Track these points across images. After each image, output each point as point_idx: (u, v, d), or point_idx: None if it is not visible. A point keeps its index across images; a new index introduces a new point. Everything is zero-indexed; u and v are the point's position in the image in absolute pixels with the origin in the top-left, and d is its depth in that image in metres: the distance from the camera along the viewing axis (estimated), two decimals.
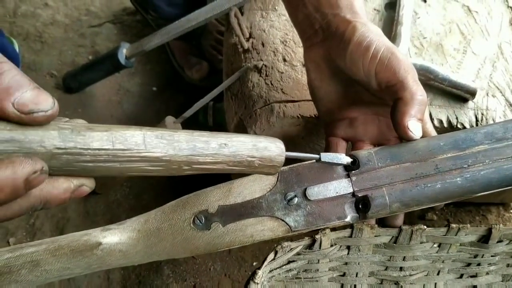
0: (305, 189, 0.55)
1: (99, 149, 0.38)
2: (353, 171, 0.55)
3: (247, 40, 0.87)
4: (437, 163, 0.54)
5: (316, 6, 0.63)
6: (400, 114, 0.54)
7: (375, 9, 0.88)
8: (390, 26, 0.83)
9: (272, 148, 0.50)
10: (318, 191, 0.54)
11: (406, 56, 0.60)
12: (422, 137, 0.56)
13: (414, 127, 0.54)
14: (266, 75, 0.80)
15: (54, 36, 1.35)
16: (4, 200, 0.35)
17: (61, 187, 0.39)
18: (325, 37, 0.62)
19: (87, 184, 0.41)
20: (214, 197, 0.58)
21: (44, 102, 0.36)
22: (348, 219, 0.54)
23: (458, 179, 0.53)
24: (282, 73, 0.79)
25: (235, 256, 0.92)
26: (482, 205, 0.98)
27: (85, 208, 1.00)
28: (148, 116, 1.17)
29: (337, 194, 0.54)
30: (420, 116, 0.54)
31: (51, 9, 1.42)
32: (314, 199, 0.54)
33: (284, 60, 0.81)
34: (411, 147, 0.55)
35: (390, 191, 0.53)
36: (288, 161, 0.60)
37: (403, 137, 0.56)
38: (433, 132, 0.60)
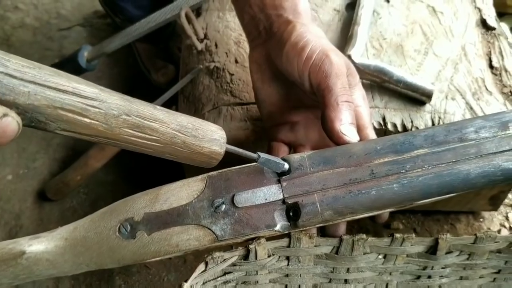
0: (233, 196, 0.51)
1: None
2: (284, 176, 0.51)
3: (201, 41, 0.84)
4: (373, 168, 0.50)
5: (261, 7, 0.61)
6: (329, 120, 0.51)
7: (335, 9, 0.85)
8: (349, 27, 0.80)
9: (213, 134, 0.48)
10: (247, 198, 0.51)
11: (342, 58, 0.57)
12: None
13: (348, 131, 0.51)
14: (217, 77, 0.77)
15: (22, 39, 1.32)
16: None
17: None
18: (267, 37, 0.60)
19: (13, 116, 0.34)
20: (141, 204, 0.55)
21: None
22: (277, 227, 0.50)
23: (394, 185, 0.49)
24: (233, 74, 0.76)
25: (190, 266, 0.88)
26: (451, 213, 0.94)
27: (39, 215, 0.97)
28: None
29: (267, 201, 0.51)
30: (351, 121, 0.51)
31: (21, 12, 1.39)
32: (242, 206, 0.51)
33: (236, 61, 0.77)
34: (346, 151, 0.51)
35: (321, 197, 0.50)
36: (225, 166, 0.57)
37: (339, 143, 0.52)
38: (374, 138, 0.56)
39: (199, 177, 0.54)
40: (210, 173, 0.54)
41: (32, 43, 1.31)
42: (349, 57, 0.71)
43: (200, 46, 0.82)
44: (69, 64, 1.07)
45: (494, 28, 0.86)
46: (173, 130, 0.45)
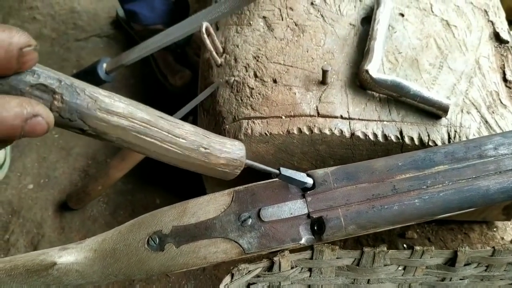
0: (259, 210, 0.53)
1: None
2: (308, 192, 0.53)
3: (221, 55, 0.86)
4: (395, 183, 0.52)
5: None
6: None
7: (350, 24, 0.86)
8: (365, 42, 0.82)
9: (233, 149, 0.51)
10: (272, 212, 0.53)
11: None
12: None
13: None
14: (237, 91, 0.79)
15: (40, 50, 1.33)
16: None
17: (12, 110, 0.34)
18: None
19: (43, 115, 0.36)
20: (169, 218, 0.57)
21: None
22: (302, 241, 0.52)
23: (416, 200, 0.51)
24: (253, 89, 0.77)
25: (209, 275, 0.90)
26: (464, 223, 0.95)
27: (60, 224, 0.99)
28: None
29: (292, 215, 0.52)
30: None
31: (38, 23, 1.42)
32: (268, 220, 0.53)
33: (256, 75, 0.79)
34: (369, 167, 0.53)
35: (345, 212, 0.51)
36: (248, 179, 0.59)
37: None
38: None
39: (226, 191, 0.56)
40: (237, 188, 0.56)
41: (50, 53, 1.34)
42: (367, 72, 0.73)
43: (219, 60, 0.84)
44: (88, 76, 1.09)
45: (507, 42, 0.88)
46: (196, 146, 0.48)
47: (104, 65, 1.07)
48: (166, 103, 1.22)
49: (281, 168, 0.52)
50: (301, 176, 0.52)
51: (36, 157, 1.11)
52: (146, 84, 1.27)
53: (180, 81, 1.19)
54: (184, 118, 0.94)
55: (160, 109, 1.25)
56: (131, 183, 1.05)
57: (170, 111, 1.04)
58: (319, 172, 0.53)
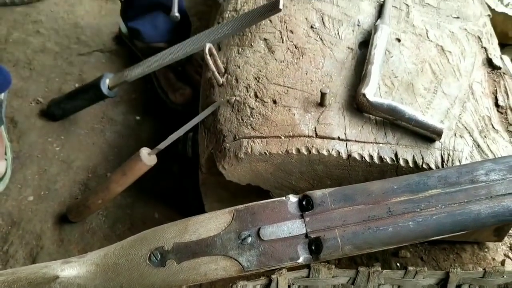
0: (259, 229, 0.55)
1: None
2: (307, 212, 0.55)
3: (222, 75, 0.88)
4: (390, 206, 0.54)
5: None
6: None
7: (348, 48, 0.89)
8: (362, 66, 0.85)
9: None
10: (272, 231, 0.55)
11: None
12: None
13: None
14: (238, 111, 0.81)
15: (43, 63, 1.37)
16: None
17: None
18: None
19: None
20: (171, 234, 0.59)
21: None
22: (300, 260, 0.54)
23: (410, 223, 0.53)
24: (253, 109, 0.80)
25: None
26: (456, 243, 0.97)
27: (59, 236, 1.00)
28: (129, 145, 1.18)
29: (290, 235, 0.54)
30: None
31: (42, 36, 1.45)
32: (267, 239, 0.54)
33: (256, 96, 0.82)
34: (365, 189, 0.55)
35: (342, 233, 0.53)
36: (245, 199, 0.61)
37: None
38: None
39: (227, 210, 0.58)
40: (237, 207, 0.58)
41: (53, 67, 1.36)
42: (364, 95, 0.76)
43: (221, 80, 0.87)
44: (91, 91, 1.12)
45: (499, 68, 0.91)
46: None
47: (107, 80, 1.10)
48: (167, 118, 1.24)
49: None
50: None
51: (37, 169, 1.12)
52: (147, 99, 1.29)
53: (181, 98, 1.22)
54: (185, 135, 0.97)
55: (160, 124, 1.28)
56: (130, 197, 1.06)
57: (171, 127, 1.07)
58: (318, 193, 0.56)
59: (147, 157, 0.91)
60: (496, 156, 0.75)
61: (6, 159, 1.11)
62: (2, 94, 1.19)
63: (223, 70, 0.89)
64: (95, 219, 1.03)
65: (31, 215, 1.04)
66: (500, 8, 1.80)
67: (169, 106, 1.25)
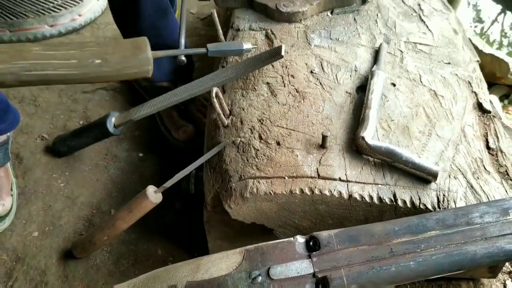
0: (269, 268, 0.58)
1: None
2: (314, 252, 0.58)
3: (227, 117, 0.92)
4: (392, 247, 0.57)
5: None
6: None
7: (346, 92, 0.94)
8: (360, 109, 0.89)
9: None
10: (281, 271, 0.58)
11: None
12: None
13: None
14: (243, 151, 0.85)
15: (48, 100, 1.41)
16: None
17: None
18: None
19: None
20: (183, 273, 0.61)
21: None
22: None
23: (411, 263, 0.57)
24: (258, 150, 0.84)
25: None
26: (452, 279, 1.00)
27: (64, 272, 1.02)
28: (133, 181, 1.21)
29: (299, 274, 0.58)
30: None
31: None
32: (277, 279, 0.57)
33: (260, 137, 0.86)
34: (368, 231, 0.59)
35: (348, 272, 0.57)
36: (248, 236, 0.64)
37: None
38: None
39: (237, 250, 0.61)
40: (248, 247, 0.61)
41: (58, 104, 1.40)
42: (363, 138, 0.80)
43: (226, 122, 0.91)
44: (97, 128, 1.15)
45: (489, 112, 0.96)
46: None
47: (113, 119, 1.13)
48: (169, 155, 1.28)
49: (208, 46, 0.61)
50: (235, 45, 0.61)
51: (42, 205, 1.14)
52: (150, 136, 1.33)
53: (183, 135, 1.25)
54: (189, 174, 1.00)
55: (163, 161, 1.30)
56: (133, 233, 1.09)
57: (173, 164, 1.10)
58: (324, 234, 0.59)
59: (154, 195, 0.94)
60: (489, 197, 0.79)
61: (12, 195, 1.13)
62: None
63: (228, 112, 0.93)
64: (99, 255, 1.05)
65: (36, 250, 1.06)
66: (487, 50, 1.89)
67: (172, 143, 1.28)
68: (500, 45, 2.29)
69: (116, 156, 1.27)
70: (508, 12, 2.35)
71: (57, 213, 1.13)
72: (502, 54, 1.86)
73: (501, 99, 1.99)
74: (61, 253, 1.05)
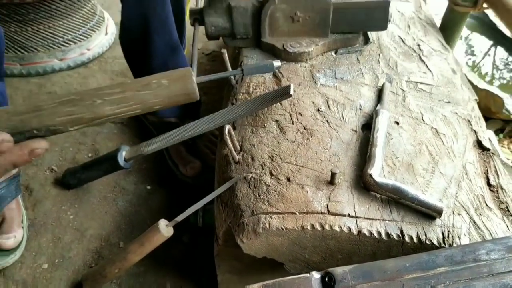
0: None
1: None
2: None
3: (238, 153, 0.96)
4: (404, 282, 0.60)
5: None
6: None
7: (352, 130, 0.98)
8: (366, 147, 0.93)
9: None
10: None
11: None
12: None
13: None
14: (255, 187, 0.88)
15: None
16: None
17: (17, 153, 0.63)
18: None
19: (38, 147, 0.66)
20: None
21: None
22: None
23: None
24: (269, 186, 0.87)
25: None
26: None
27: None
28: (141, 214, 1.23)
29: None
30: None
31: None
32: None
33: (271, 174, 0.89)
34: (381, 267, 0.62)
35: None
36: (258, 270, 0.66)
37: None
38: None
39: (255, 285, 0.63)
40: (266, 282, 0.63)
41: (67, 136, 1.43)
42: (370, 176, 0.84)
43: (237, 157, 0.94)
44: (108, 162, 1.18)
45: (489, 149, 1.00)
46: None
47: (124, 153, 1.16)
48: (177, 189, 1.30)
49: (243, 66, 0.66)
50: (267, 64, 0.67)
51: (51, 237, 1.16)
52: (158, 169, 1.36)
53: (191, 171, 1.29)
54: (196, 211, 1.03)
55: (170, 195, 1.33)
56: (143, 265, 1.11)
57: (181, 197, 1.12)
58: (339, 270, 0.62)
59: (165, 229, 0.97)
60: (491, 232, 0.83)
61: (22, 227, 1.15)
62: None
63: (239, 148, 0.97)
64: None
65: (46, 283, 1.07)
66: (482, 85, 1.96)
67: (179, 178, 1.31)
68: (492, 78, 2.36)
69: (125, 189, 1.30)
70: (499, 46, 2.44)
71: (66, 245, 1.15)
72: (496, 89, 1.92)
73: (496, 133, 2.04)
74: (71, 285, 1.07)
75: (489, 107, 1.92)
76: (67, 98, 0.62)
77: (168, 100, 0.68)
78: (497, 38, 2.40)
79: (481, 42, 2.51)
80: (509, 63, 2.40)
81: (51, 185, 1.29)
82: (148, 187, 1.31)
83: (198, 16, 1.16)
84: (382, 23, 1.16)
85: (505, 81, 2.36)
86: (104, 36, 1.84)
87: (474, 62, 2.43)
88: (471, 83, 1.93)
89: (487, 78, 2.35)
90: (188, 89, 0.65)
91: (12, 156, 0.64)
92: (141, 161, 1.37)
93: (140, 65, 1.30)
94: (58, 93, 1.58)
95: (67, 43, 1.70)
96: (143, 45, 1.25)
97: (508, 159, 1.93)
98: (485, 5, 1.37)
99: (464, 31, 2.38)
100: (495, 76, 2.38)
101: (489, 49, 2.48)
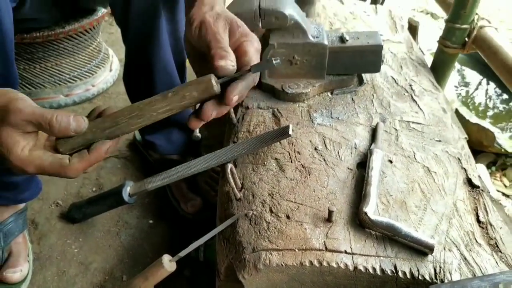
0: None
1: None
2: None
3: (240, 190, 1.00)
4: None
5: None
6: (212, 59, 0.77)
7: (348, 168, 1.03)
8: (361, 185, 0.98)
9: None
10: None
11: (221, 21, 0.83)
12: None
13: (222, 63, 0.76)
14: (255, 224, 0.92)
15: None
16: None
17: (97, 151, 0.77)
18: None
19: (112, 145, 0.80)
20: None
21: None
22: None
23: None
24: (269, 223, 0.91)
25: None
26: None
27: None
28: (143, 248, 1.27)
29: None
30: (226, 57, 0.76)
31: None
32: None
33: (271, 211, 0.94)
34: None
35: None
36: None
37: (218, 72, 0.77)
38: None
39: None
40: None
41: None
42: (366, 213, 0.88)
43: (239, 195, 0.99)
44: (112, 197, 1.22)
45: (478, 187, 1.05)
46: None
47: (128, 188, 1.21)
48: (178, 223, 1.34)
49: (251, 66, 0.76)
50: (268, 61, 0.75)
51: (56, 270, 1.19)
52: (160, 203, 1.40)
53: (192, 209, 1.33)
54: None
55: (173, 229, 1.37)
56: None
57: (183, 233, 1.16)
58: None
59: (169, 264, 1.00)
60: (481, 268, 0.87)
61: (28, 261, 1.18)
62: None
63: (240, 186, 1.01)
64: None
65: None
66: (474, 119, 2.02)
67: (180, 213, 1.35)
68: (486, 107, 2.42)
69: (128, 223, 1.34)
70: (490, 81, 2.51)
71: (71, 279, 1.18)
72: (487, 124, 1.98)
73: (489, 166, 2.09)
74: None
75: (481, 141, 1.98)
76: (135, 114, 0.80)
77: (197, 101, 0.82)
78: (488, 73, 2.48)
79: (473, 75, 2.58)
80: (502, 93, 2.46)
81: (56, 219, 1.32)
82: (150, 221, 1.35)
83: None
84: (375, 66, 1.23)
85: (497, 111, 2.42)
86: (109, 72, 1.91)
87: (467, 92, 2.49)
88: (463, 118, 1.99)
89: (481, 108, 2.41)
90: (211, 92, 0.76)
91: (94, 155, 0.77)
92: (143, 196, 1.41)
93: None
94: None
95: (73, 80, 1.77)
96: (145, 86, 1.31)
97: (499, 191, 1.98)
98: (473, 46, 1.44)
99: (456, 65, 2.45)
100: (489, 105, 2.44)
101: (481, 81, 2.55)
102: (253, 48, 0.80)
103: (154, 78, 1.28)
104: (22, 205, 1.20)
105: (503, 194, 1.95)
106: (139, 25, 1.19)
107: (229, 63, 0.75)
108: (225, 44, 0.77)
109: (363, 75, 1.31)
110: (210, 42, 0.77)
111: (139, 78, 1.30)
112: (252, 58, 0.79)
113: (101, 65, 1.88)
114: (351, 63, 1.23)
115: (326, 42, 1.18)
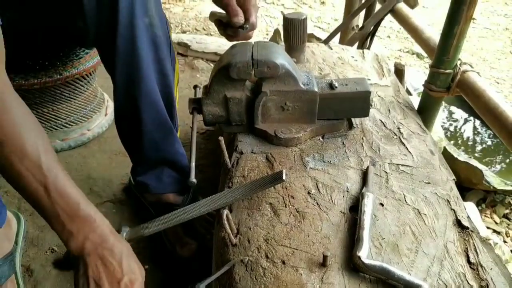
0: None
1: None
2: None
3: (235, 236, 1.02)
4: None
5: None
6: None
7: (341, 212, 1.06)
8: (354, 228, 1.01)
9: None
10: None
11: None
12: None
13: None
14: (251, 270, 0.94)
15: None
16: None
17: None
18: None
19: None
20: None
21: None
22: None
23: None
24: (265, 269, 0.93)
25: None
26: None
27: None
28: None
29: None
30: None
31: None
32: None
33: (267, 256, 0.95)
34: None
35: None
36: None
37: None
38: None
39: None
40: None
41: None
42: (359, 258, 0.90)
43: (234, 241, 1.01)
44: None
45: (468, 228, 1.08)
46: None
47: (124, 234, 1.22)
48: (174, 267, 1.35)
49: None
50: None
51: None
52: (155, 248, 1.41)
53: (188, 253, 1.34)
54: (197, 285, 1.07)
55: (169, 274, 1.38)
56: None
57: (178, 277, 1.16)
58: None
59: None
60: None
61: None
62: (13, 242, 1.28)
63: (235, 231, 1.03)
64: None
65: None
66: (462, 158, 2.06)
67: (175, 257, 1.36)
68: (474, 142, 2.48)
69: None
70: (477, 120, 2.57)
71: None
72: (475, 162, 2.02)
73: (479, 203, 2.13)
74: None
75: (470, 179, 2.02)
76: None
77: None
78: (474, 111, 2.54)
79: (460, 112, 2.64)
80: (489, 128, 2.51)
81: (51, 265, 1.32)
82: (146, 266, 1.35)
83: (197, 105, 1.27)
84: (364, 111, 1.28)
85: (486, 145, 2.47)
86: (104, 116, 1.94)
87: (455, 127, 2.54)
88: (452, 156, 2.03)
89: (469, 143, 2.46)
90: None
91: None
92: (138, 240, 1.42)
93: (132, 144, 1.38)
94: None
95: (69, 124, 1.80)
96: (134, 125, 1.32)
97: (490, 228, 2.00)
98: (457, 89, 1.50)
99: (444, 103, 2.51)
100: (477, 140, 2.48)
101: (469, 117, 2.61)
102: (250, 5, 1.22)
103: (140, 115, 1.29)
104: (8, 249, 1.20)
105: (494, 231, 1.97)
106: (124, 69, 1.22)
107: (240, 18, 1.20)
108: (235, 4, 1.19)
109: (352, 119, 1.36)
110: (226, 6, 1.20)
111: (127, 116, 1.32)
112: (252, 14, 1.23)
113: (97, 110, 1.92)
114: (341, 109, 1.27)
115: (316, 89, 1.22)
